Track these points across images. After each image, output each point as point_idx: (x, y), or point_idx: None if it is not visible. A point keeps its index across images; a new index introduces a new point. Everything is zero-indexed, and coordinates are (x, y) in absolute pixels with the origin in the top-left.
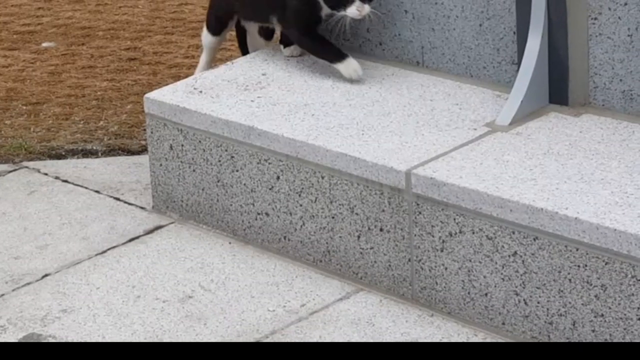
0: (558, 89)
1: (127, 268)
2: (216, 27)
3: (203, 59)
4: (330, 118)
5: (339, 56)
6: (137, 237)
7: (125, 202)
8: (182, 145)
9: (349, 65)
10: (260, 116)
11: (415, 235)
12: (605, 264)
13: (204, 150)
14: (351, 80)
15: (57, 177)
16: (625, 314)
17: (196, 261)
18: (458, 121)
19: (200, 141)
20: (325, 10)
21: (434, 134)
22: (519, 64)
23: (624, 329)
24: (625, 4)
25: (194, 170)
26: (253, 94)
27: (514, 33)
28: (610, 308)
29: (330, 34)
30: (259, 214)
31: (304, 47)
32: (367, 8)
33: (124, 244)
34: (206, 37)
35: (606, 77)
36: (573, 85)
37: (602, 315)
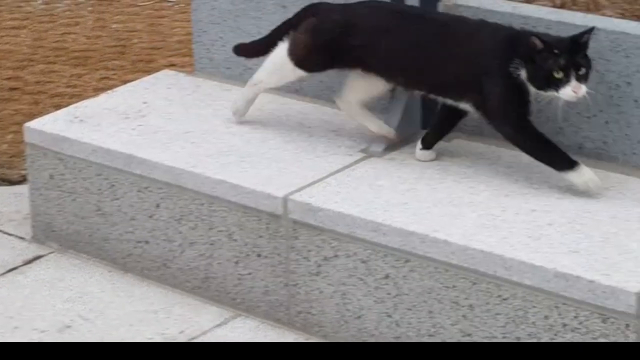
0: (429, 115)
1: (5, 299)
2: (317, 64)
3: (251, 94)
4: (209, 145)
5: (569, 162)
6: (16, 268)
7: (4, 233)
8: (63, 175)
9: (583, 174)
10: (141, 144)
11: (291, 260)
12: (473, 284)
13: (84, 179)
14: (587, 193)
15: None
16: (491, 333)
17: (75, 290)
18: (335, 147)
19: (80, 170)
20: (531, 91)
21: (312, 160)
22: (392, 90)
23: None
24: None
25: (74, 200)
26: (134, 122)
27: None
28: (477, 327)
29: None
30: (138, 242)
31: (520, 146)
32: (584, 88)
33: (2, 274)
34: (288, 71)
35: None
36: None
37: (470, 334)
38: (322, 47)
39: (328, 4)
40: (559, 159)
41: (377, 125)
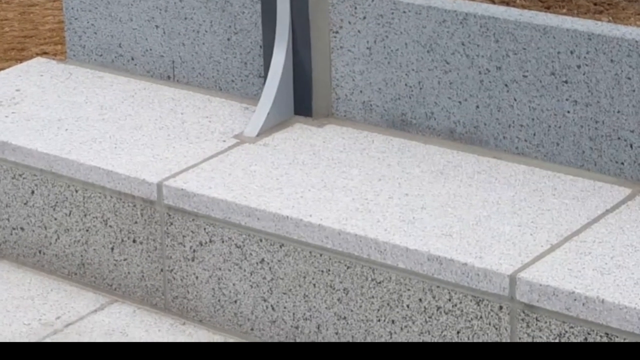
0: (302, 101)
1: None
2: None
3: None
4: (83, 132)
5: None
6: None
7: None
8: None
9: None
10: (15, 131)
11: (167, 245)
12: (347, 268)
13: None
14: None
15: None
16: (366, 316)
17: None
18: (208, 133)
19: None
20: None
21: (185, 147)
22: (265, 77)
23: (365, 330)
24: (364, 17)
25: None
26: (7, 109)
27: (261, 47)
28: (352, 311)
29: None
30: (14, 228)
31: None
32: None
33: None
34: None
35: (347, 88)
36: (317, 97)
37: (345, 317)
38: None
39: None
40: None
41: None
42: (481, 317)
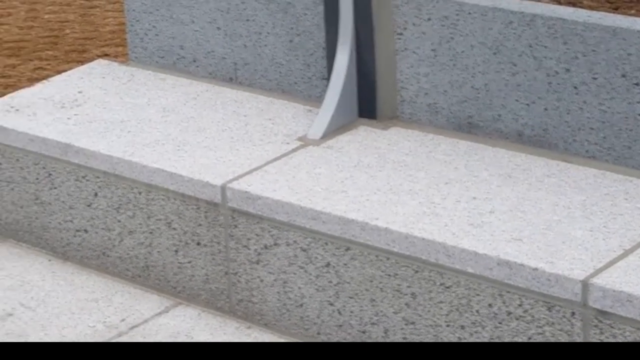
0: (367, 103)
1: None
2: None
3: None
4: (146, 134)
5: None
6: None
7: None
8: (0, 164)
9: None
10: (78, 133)
11: (231, 248)
12: (415, 272)
13: (22, 169)
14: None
15: None
16: (434, 321)
17: (16, 279)
18: (271, 136)
19: (17, 159)
20: None
21: (248, 149)
22: (328, 79)
23: (434, 335)
24: (429, 19)
25: (12, 189)
26: (70, 111)
27: (324, 49)
28: (420, 315)
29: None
30: (77, 230)
31: None
32: None
33: None
34: None
35: (412, 91)
36: (381, 99)
37: (413, 322)
38: None
39: None
40: None
41: None
42: (553, 324)
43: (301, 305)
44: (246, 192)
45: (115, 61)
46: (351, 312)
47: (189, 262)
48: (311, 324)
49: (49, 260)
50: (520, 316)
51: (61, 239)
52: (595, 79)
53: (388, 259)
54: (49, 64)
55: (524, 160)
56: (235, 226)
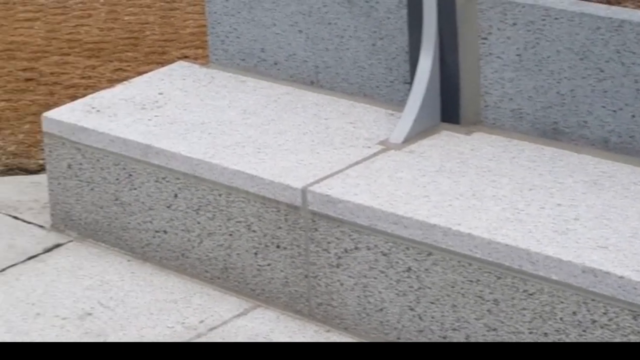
0: (449, 108)
1: (26, 286)
2: None
3: None
4: (226, 136)
5: None
6: (36, 256)
7: (24, 221)
8: (81, 164)
9: None
10: (158, 135)
11: (311, 251)
12: (498, 278)
13: (102, 169)
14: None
15: None
16: (517, 328)
17: (95, 279)
18: (352, 139)
19: (98, 160)
20: None
21: (329, 152)
22: (411, 83)
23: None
24: (514, 24)
25: (92, 189)
26: (150, 112)
27: (406, 53)
28: (502, 322)
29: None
30: (157, 231)
31: None
32: None
33: (23, 262)
34: None
35: (496, 96)
36: (464, 104)
37: (495, 329)
38: None
39: None
40: None
41: None
42: (638, 332)
43: (381, 309)
44: (327, 195)
45: (195, 63)
46: (432, 317)
47: (269, 265)
48: (391, 328)
49: (128, 261)
50: (605, 324)
51: (140, 239)
52: None
53: (470, 264)
54: (129, 65)
55: (610, 168)
56: (316, 229)
